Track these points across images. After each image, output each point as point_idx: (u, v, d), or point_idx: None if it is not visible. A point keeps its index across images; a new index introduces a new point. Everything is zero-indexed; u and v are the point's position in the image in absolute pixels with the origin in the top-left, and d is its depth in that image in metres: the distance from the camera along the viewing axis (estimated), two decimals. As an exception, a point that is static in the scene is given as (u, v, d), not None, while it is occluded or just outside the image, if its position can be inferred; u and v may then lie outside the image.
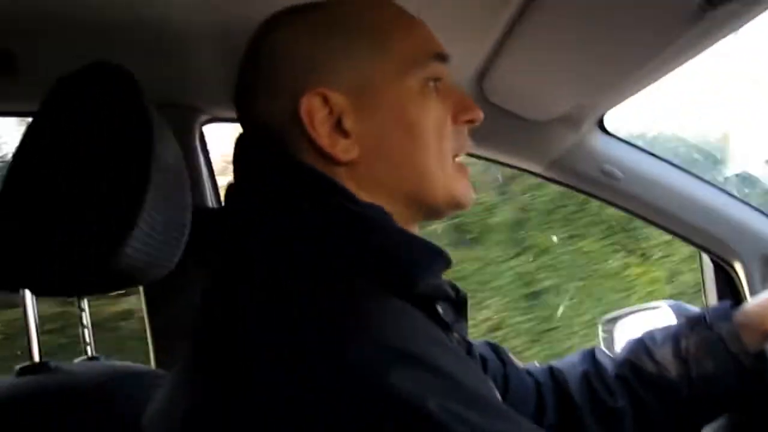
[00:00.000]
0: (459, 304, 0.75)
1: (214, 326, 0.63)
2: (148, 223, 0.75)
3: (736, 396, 0.95)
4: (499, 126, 1.24)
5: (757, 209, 1.40)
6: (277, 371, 0.54)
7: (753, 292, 1.40)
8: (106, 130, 0.72)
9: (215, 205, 1.18)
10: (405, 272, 0.65)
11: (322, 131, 0.69)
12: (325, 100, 0.69)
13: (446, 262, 0.70)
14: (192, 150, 1.16)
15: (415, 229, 0.76)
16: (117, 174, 0.71)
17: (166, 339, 1.15)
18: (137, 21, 0.92)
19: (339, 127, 0.69)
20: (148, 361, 1.17)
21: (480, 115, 0.76)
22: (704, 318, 0.97)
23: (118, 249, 0.71)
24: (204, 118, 1.18)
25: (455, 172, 0.75)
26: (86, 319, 1.04)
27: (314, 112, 0.69)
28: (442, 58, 0.74)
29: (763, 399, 0.97)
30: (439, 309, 0.69)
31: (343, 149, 0.69)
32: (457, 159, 0.76)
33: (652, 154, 1.37)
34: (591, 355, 1.03)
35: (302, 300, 0.59)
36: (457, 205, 0.75)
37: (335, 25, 0.72)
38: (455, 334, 0.74)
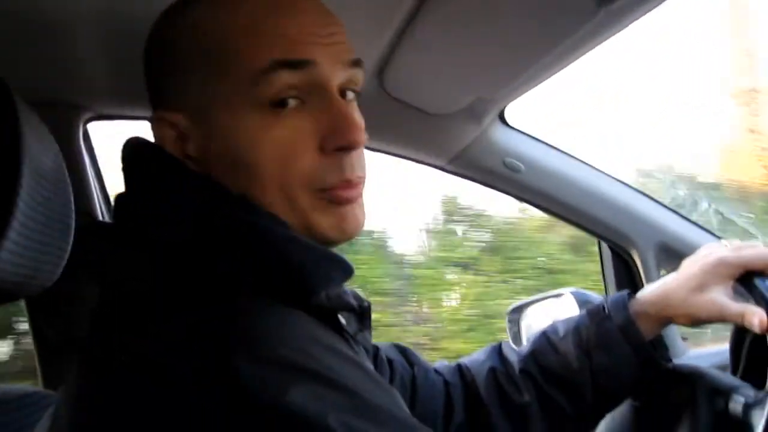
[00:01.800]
0: (363, 313, 0.73)
1: (99, 346, 0.59)
2: (20, 233, 0.69)
3: (636, 383, 0.97)
4: (399, 120, 1.23)
5: (652, 198, 1.45)
6: (167, 395, 0.51)
7: (649, 279, 1.45)
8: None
9: (105, 211, 1.10)
10: (303, 283, 0.62)
11: (173, 150, 0.65)
12: (171, 123, 0.65)
13: (347, 272, 0.67)
14: (75, 151, 1.08)
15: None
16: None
17: (55, 356, 1.07)
18: (8, 14, 0.84)
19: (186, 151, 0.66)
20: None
21: (357, 139, 0.64)
22: (603, 308, 0.98)
23: (-13, 262, 0.65)
24: (88, 115, 1.11)
25: (315, 204, 0.64)
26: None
27: (164, 132, 0.65)
28: (293, 65, 0.62)
29: (659, 385, 1.00)
30: (342, 320, 0.67)
31: (196, 168, 0.65)
32: (323, 193, 0.64)
33: (553, 147, 1.39)
34: (497, 351, 1.03)
35: (190, 318, 0.55)
36: (323, 240, 0.65)
37: (174, 42, 0.66)
38: (359, 345, 0.72)
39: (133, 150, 0.69)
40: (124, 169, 0.69)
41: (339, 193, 0.64)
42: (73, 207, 0.84)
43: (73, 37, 0.92)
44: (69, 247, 0.73)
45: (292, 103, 0.62)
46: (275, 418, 0.49)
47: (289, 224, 0.63)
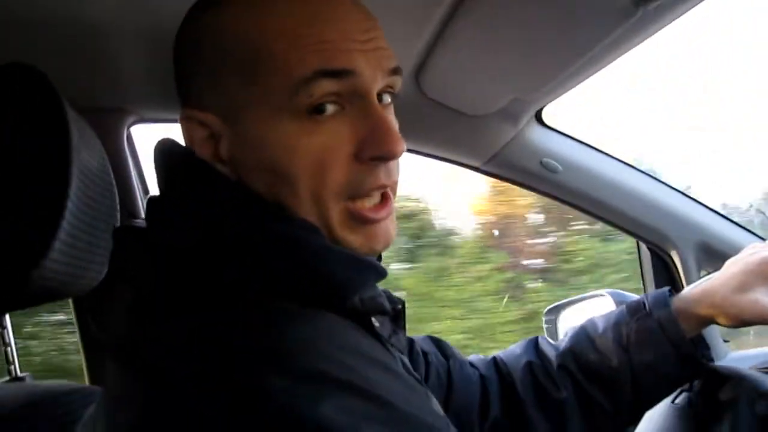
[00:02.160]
0: (396, 314, 0.73)
1: (133, 348, 0.58)
2: (70, 233, 0.71)
3: (676, 381, 0.97)
4: (436, 121, 1.23)
5: (690, 197, 1.43)
6: (198, 406, 0.50)
7: (689, 279, 1.43)
8: (21, 135, 0.68)
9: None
10: (337, 290, 0.62)
11: (203, 151, 0.64)
12: (201, 122, 0.64)
13: (379, 274, 0.66)
14: (120, 154, 1.11)
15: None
16: (34, 182, 0.67)
17: (100, 353, 1.09)
18: (52, 19, 0.87)
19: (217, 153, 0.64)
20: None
21: (396, 149, 0.62)
22: (644, 305, 0.98)
23: (38, 261, 0.67)
24: (131, 119, 1.13)
25: (345, 222, 0.64)
26: (8, 336, 0.98)
27: (193, 132, 0.64)
28: (335, 74, 0.60)
29: (700, 385, 0.99)
30: (375, 323, 0.67)
31: (225, 171, 0.65)
32: (351, 206, 0.64)
33: (591, 146, 1.38)
34: (534, 345, 1.02)
35: (222, 328, 0.54)
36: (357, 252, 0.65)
37: (209, 44, 0.64)
38: (394, 347, 0.72)
39: (163, 152, 0.69)
40: (156, 171, 0.69)
41: (369, 215, 0.64)
42: (118, 208, 0.86)
43: (116, 43, 0.94)
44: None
45: (330, 109, 0.61)
46: (305, 431, 0.48)
47: (325, 233, 0.63)
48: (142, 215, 1.10)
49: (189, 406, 0.50)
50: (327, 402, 0.49)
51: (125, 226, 0.84)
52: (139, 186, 1.13)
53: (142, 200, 1.12)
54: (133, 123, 1.14)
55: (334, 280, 0.61)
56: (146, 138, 1.21)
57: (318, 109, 0.60)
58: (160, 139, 0.69)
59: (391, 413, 0.52)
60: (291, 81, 0.60)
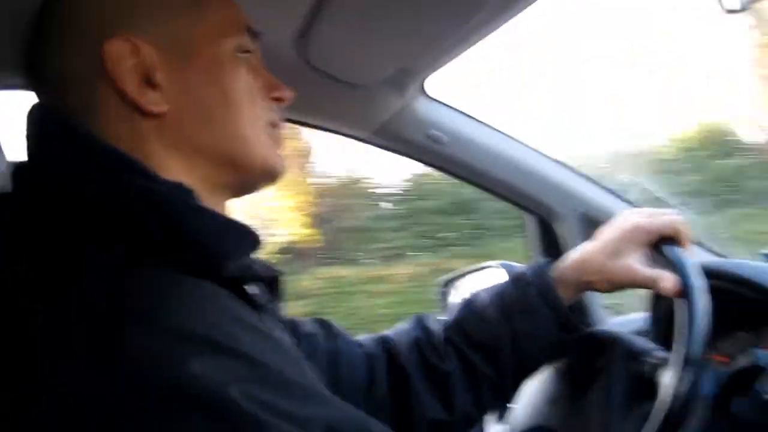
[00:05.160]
0: (273, 283, 0.73)
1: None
2: None
3: (556, 347, 1.00)
4: (322, 91, 1.20)
5: (572, 170, 1.47)
6: (67, 371, 0.49)
7: (572, 249, 1.47)
8: None
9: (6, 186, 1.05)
10: (209, 254, 0.61)
11: (129, 80, 0.65)
12: (135, 50, 0.65)
13: (255, 241, 0.67)
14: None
15: (224, 206, 0.73)
16: None
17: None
18: None
19: (148, 81, 0.66)
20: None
21: (290, 95, 0.78)
22: (525, 275, 1.00)
23: None
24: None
25: (269, 140, 0.74)
26: None
27: (121, 60, 0.64)
28: (253, 34, 0.75)
29: (579, 349, 1.02)
30: (250, 290, 0.66)
31: (152, 101, 0.66)
32: (272, 130, 0.75)
33: (476, 119, 1.39)
34: (421, 321, 1.03)
35: (88, 290, 0.54)
36: (270, 171, 0.74)
37: None
38: (269, 315, 0.71)
39: (34, 117, 0.67)
40: (27, 138, 0.67)
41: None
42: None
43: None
44: None
45: (244, 56, 0.73)
46: (174, 392, 0.48)
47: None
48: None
49: (60, 374, 0.49)
50: (195, 360, 0.49)
51: None
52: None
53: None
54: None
55: (206, 244, 0.61)
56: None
57: (241, 57, 0.72)
58: (33, 104, 0.68)
59: (263, 373, 0.52)
60: (229, 26, 0.72)
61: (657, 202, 2.07)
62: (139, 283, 0.55)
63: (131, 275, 0.55)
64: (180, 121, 0.67)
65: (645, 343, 0.96)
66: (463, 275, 1.61)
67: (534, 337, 0.96)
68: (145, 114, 0.65)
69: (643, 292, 1.03)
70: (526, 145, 1.42)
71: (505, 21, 1.00)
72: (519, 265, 1.43)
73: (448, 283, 1.64)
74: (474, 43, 1.08)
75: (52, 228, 0.59)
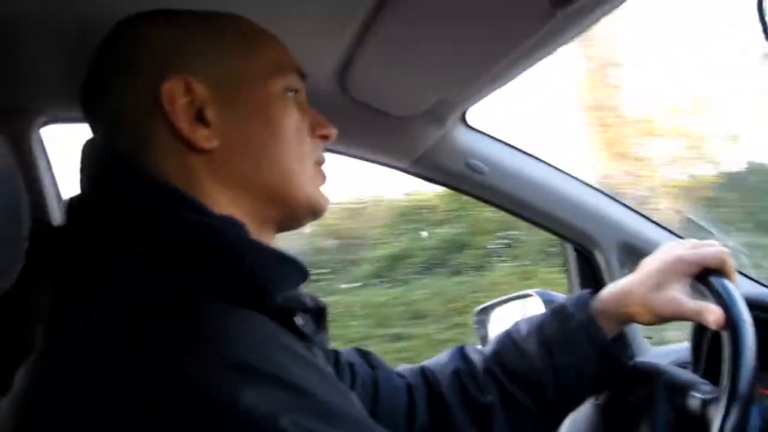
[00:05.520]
0: (319, 314, 0.74)
1: (50, 352, 0.59)
2: None
3: (599, 381, 0.98)
4: (362, 122, 1.22)
5: (613, 198, 1.47)
6: (121, 397, 0.51)
7: (612, 279, 1.45)
8: None
9: (61, 218, 1.08)
10: (259, 285, 0.63)
11: (182, 117, 0.68)
12: (188, 89, 0.68)
13: (303, 273, 0.69)
14: (29, 155, 1.05)
15: (271, 239, 0.75)
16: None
17: (4, 362, 1.04)
18: None
19: (200, 118, 0.69)
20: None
21: (333, 132, 0.80)
22: (565, 307, 0.99)
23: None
24: (42, 119, 1.08)
25: (314, 176, 0.77)
26: None
27: (176, 98, 0.67)
28: (301, 74, 0.77)
29: (621, 382, 1.01)
30: (297, 321, 0.67)
31: (204, 137, 0.68)
32: (317, 168, 0.78)
33: (516, 148, 1.39)
34: (461, 352, 1.03)
35: (146, 321, 0.56)
36: (314, 207, 0.76)
37: (204, 20, 0.72)
38: (316, 346, 0.73)
39: (90, 152, 0.71)
40: (82, 172, 0.71)
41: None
42: (27, 213, 0.82)
43: (25, 39, 0.90)
44: (23, 253, 0.71)
45: (292, 95, 0.76)
46: (226, 419, 0.49)
47: (291, 191, 0.72)
48: (54, 221, 1.06)
49: (113, 395, 0.51)
50: (248, 391, 0.50)
51: (43, 228, 0.81)
52: (52, 190, 1.08)
53: (54, 205, 1.07)
54: (44, 124, 1.08)
55: (257, 276, 0.63)
56: (61, 140, 1.16)
57: (289, 96, 0.75)
58: (88, 139, 0.72)
59: (312, 403, 0.54)
60: (279, 66, 0.74)
61: (700, 231, 2.04)
62: (194, 313, 0.56)
63: (187, 305, 0.57)
64: (229, 156, 0.70)
65: (689, 376, 0.94)
66: (499, 304, 1.61)
67: (576, 370, 0.95)
68: (197, 150, 0.68)
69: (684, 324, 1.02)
70: (567, 174, 1.42)
71: (548, 54, 1.00)
72: (556, 294, 1.42)
73: (484, 312, 1.63)
74: (516, 75, 1.08)
75: (107, 261, 0.61)
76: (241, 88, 0.71)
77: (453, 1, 0.88)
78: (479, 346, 1.05)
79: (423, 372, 1.01)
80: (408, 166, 1.37)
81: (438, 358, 1.04)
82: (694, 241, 0.96)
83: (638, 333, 1.42)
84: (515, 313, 1.52)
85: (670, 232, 1.46)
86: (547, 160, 1.42)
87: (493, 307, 1.62)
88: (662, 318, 0.94)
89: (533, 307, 1.41)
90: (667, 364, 1.02)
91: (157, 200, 0.64)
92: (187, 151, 0.68)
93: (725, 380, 0.79)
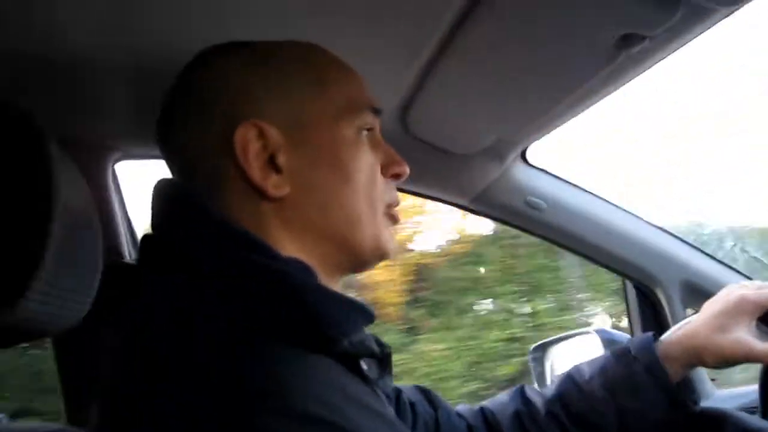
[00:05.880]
0: (384, 359, 0.73)
1: (121, 389, 0.59)
2: (50, 272, 0.70)
3: (664, 425, 0.96)
4: (423, 160, 1.23)
5: (674, 236, 1.44)
6: None
7: (674, 318, 1.43)
8: (2, 172, 0.67)
9: (132, 251, 1.11)
10: (328, 331, 0.62)
11: (255, 164, 0.66)
12: (261, 133, 0.67)
13: (369, 317, 0.68)
14: (104, 191, 1.09)
15: (338, 284, 0.74)
16: (15, 218, 0.66)
17: (79, 394, 1.07)
18: (36, 55, 0.86)
19: (272, 163, 0.67)
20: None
21: (407, 170, 0.77)
22: (629, 350, 0.97)
23: (16, 300, 0.66)
24: (116, 155, 1.12)
25: (384, 220, 0.74)
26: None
27: (249, 144, 0.66)
28: (375, 111, 0.74)
29: (688, 426, 0.98)
30: (363, 365, 0.67)
31: (275, 184, 0.67)
32: (388, 210, 0.76)
33: (575, 185, 1.39)
34: (521, 393, 1.02)
35: (212, 365, 0.55)
36: (381, 253, 0.74)
37: (274, 59, 0.71)
38: (381, 390, 0.72)
39: (162, 191, 0.71)
40: (153, 210, 0.71)
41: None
42: (101, 247, 0.85)
43: (101, 77, 0.93)
44: (96, 286, 0.74)
45: (365, 134, 0.74)
46: None
47: (360, 237, 0.71)
48: (126, 254, 1.09)
49: None
50: None
51: (116, 265, 0.83)
52: (124, 224, 1.12)
53: (126, 239, 1.11)
54: (118, 160, 1.12)
55: (324, 321, 0.62)
56: (131, 175, 1.21)
57: (362, 136, 0.73)
58: (160, 178, 0.72)
59: None
60: (351, 106, 0.72)
61: (766, 271, 1.99)
62: (261, 359, 0.56)
63: (253, 350, 0.56)
64: (299, 202, 0.68)
65: (759, 422, 0.92)
66: (556, 341, 1.59)
67: (642, 415, 0.94)
68: (268, 197, 0.67)
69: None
70: (627, 211, 1.41)
71: (609, 93, 1.00)
72: (616, 332, 1.40)
73: (541, 349, 1.61)
74: (576, 114, 1.09)
75: (173, 302, 0.61)
76: (313, 130, 0.69)
77: (516, 43, 0.89)
78: (537, 384, 1.04)
79: (483, 413, 1.01)
80: (467, 203, 1.38)
81: (498, 399, 1.03)
82: (758, 282, 0.95)
83: (704, 375, 1.39)
84: (572, 350, 1.50)
85: (736, 271, 1.42)
86: (606, 197, 1.41)
87: (549, 344, 1.60)
88: (728, 361, 0.92)
89: (591, 345, 1.39)
90: (735, 408, 0.99)
91: (227, 242, 0.64)
92: (258, 198, 0.67)
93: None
